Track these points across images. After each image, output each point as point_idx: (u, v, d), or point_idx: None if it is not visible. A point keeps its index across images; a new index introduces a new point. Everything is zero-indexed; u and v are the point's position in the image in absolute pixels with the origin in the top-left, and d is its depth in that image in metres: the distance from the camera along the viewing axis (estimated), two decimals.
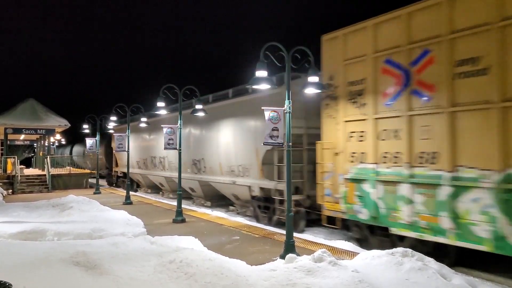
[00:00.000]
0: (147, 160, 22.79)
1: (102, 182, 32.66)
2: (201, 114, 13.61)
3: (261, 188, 13.13)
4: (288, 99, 8.09)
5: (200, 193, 17.85)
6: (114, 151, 26.81)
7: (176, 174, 17.61)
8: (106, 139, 29.08)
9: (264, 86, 8.17)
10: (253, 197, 13.84)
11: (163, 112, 14.57)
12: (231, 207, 16.03)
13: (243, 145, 14.01)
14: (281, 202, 11.96)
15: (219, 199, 17.38)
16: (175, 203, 16.19)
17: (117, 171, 28.26)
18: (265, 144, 8.32)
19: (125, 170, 25.65)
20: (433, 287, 6.13)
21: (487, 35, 7.33)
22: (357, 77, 9.87)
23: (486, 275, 7.71)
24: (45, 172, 25.65)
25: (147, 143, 22.90)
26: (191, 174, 17.62)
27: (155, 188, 23.67)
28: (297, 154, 11.99)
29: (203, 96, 16.71)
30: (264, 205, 13.31)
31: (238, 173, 14.31)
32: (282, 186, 11.71)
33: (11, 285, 3.47)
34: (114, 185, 28.98)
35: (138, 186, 26.16)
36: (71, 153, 41.63)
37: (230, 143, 14.82)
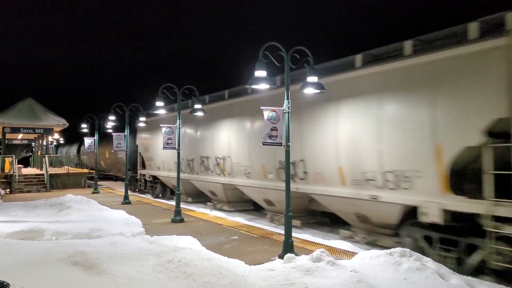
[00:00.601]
0: (193, 161, 17.66)
1: (118, 186, 28.11)
2: (199, 114, 13.60)
3: (446, 211, 7.95)
4: (287, 99, 8.09)
5: (283, 207, 11.85)
6: (138, 150, 23.64)
7: (243, 181, 14.32)
8: (130, 135, 22.29)
9: (263, 86, 8.17)
10: (402, 222, 9.14)
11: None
12: (343, 231, 10.93)
13: (404, 139, 8.74)
14: (501, 239, 7.12)
15: (310, 216, 13.00)
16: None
17: (144, 174, 23.26)
18: (264, 144, 8.31)
19: (157, 173, 21.44)
20: (431, 287, 6.15)
21: None
22: None
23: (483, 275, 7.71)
24: (43, 172, 25.60)
25: (195, 140, 17.56)
26: (273, 182, 12.69)
27: (199, 197, 18.93)
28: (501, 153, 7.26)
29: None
30: (441, 238, 8.26)
31: (382, 184, 9.21)
32: (507, 211, 6.98)
33: (9, 284, 3.46)
34: (138, 190, 23.86)
35: (173, 193, 20.22)
36: (78, 152, 40.24)
37: (367, 137, 9.54)
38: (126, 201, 17.70)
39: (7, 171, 24.10)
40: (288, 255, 7.39)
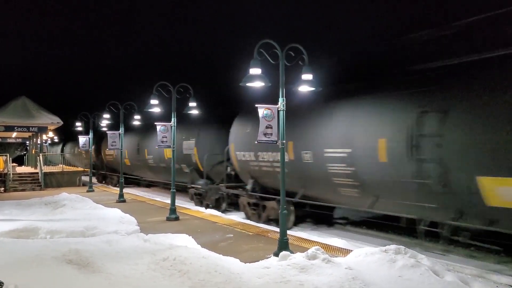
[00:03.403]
0: None
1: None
2: (194, 112, 13.56)
3: None
4: (282, 96, 8.09)
5: None
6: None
7: None
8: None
9: (257, 84, 8.16)
10: None
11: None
12: None
13: None
14: None
15: None
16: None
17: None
18: (259, 142, 8.31)
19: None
20: (426, 284, 6.17)
21: None
22: None
23: (478, 272, 7.77)
24: (37, 170, 25.47)
25: None
26: None
27: None
28: None
29: None
30: None
31: None
32: None
33: (2, 283, 3.44)
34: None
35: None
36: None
37: None
38: (121, 199, 17.64)
39: (1, 169, 23.95)
40: (283, 252, 7.40)
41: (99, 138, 28.29)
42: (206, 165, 15.62)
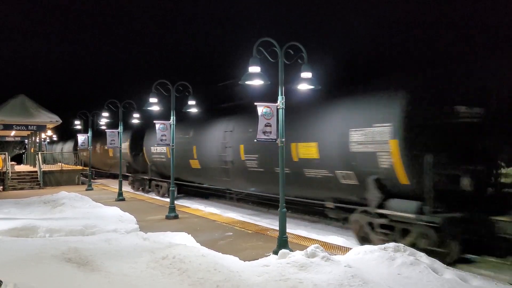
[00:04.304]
0: None
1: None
2: (193, 110, 13.55)
3: None
4: (281, 95, 8.08)
5: None
6: None
7: None
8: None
9: (257, 82, 8.15)
10: None
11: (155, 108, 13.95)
12: None
13: None
14: None
15: None
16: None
17: None
18: (258, 140, 8.30)
19: None
20: (424, 282, 6.19)
21: None
22: None
23: (477, 270, 7.78)
24: (36, 169, 25.44)
25: None
26: None
27: None
28: None
29: None
30: None
31: None
32: None
33: (1, 282, 3.44)
34: None
35: None
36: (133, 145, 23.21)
37: None
38: (120, 198, 17.64)
39: None
40: (283, 250, 7.41)
41: (137, 134, 21.75)
42: (429, 175, 8.03)
